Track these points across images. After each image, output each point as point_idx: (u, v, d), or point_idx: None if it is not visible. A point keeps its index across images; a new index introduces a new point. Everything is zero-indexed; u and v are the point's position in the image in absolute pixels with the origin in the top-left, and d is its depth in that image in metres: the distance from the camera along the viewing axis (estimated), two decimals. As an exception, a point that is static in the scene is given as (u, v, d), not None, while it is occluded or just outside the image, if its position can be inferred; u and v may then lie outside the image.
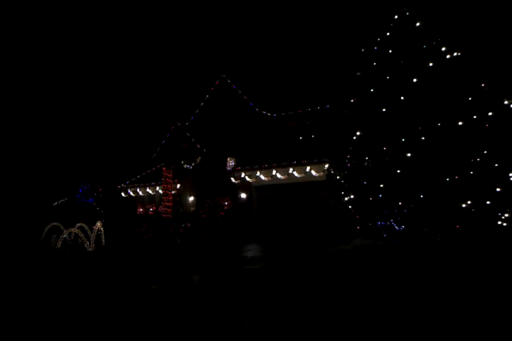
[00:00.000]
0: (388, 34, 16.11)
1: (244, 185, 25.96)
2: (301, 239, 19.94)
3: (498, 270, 10.07)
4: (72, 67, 38.31)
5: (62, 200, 31.89)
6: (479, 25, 17.64)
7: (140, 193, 32.01)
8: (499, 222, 13.43)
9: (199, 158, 27.52)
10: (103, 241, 21.02)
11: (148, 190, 31.63)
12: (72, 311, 6.90)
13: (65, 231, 20.34)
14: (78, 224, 21.34)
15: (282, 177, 24.10)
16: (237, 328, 5.46)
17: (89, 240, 19.36)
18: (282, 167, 24.21)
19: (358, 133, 15.73)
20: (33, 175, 34.48)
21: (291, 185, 24.21)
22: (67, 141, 37.62)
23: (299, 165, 23.54)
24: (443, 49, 14.90)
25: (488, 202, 13.40)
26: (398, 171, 14.31)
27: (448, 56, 14.81)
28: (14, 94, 35.98)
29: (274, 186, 24.95)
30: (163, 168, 28.32)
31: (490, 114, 13.93)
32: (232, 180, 26.11)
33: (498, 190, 13.35)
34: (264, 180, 24.94)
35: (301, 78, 32.81)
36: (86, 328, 5.76)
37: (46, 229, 21.39)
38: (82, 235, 19.32)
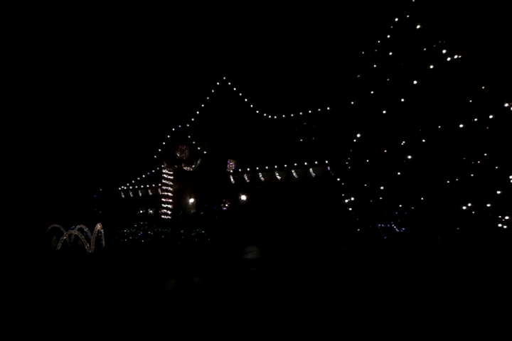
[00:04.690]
0: (389, 36, 16.18)
1: (244, 187, 25.95)
2: (302, 240, 19.90)
3: (498, 271, 10.05)
4: (75, 69, 38.38)
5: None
6: (480, 27, 17.68)
7: (140, 195, 32.03)
8: (499, 225, 13.43)
9: (199, 160, 27.54)
10: (103, 242, 20.95)
11: (148, 191, 31.65)
12: (69, 311, 6.88)
13: (65, 233, 20.30)
14: (78, 226, 21.29)
15: (283, 179, 24.10)
16: (239, 328, 5.45)
17: (89, 242, 19.32)
18: (283, 169, 24.22)
19: (358, 136, 15.76)
20: (34, 176, 34.49)
21: (291, 186, 24.18)
22: (68, 142, 37.65)
23: (300, 168, 23.54)
24: (443, 51, 14.96)
25: (488, 205, 13.41)
26: (399, 173, 14.32)
27: (448, 58, 14.86)
28: (17, 96, 36.06)
29: (275, 188, 24.92)
30: (164, 170, 28.32)
31: (490, 116, 13.96)
32: (233, 182, 26.12)
33: (498, 192, 13.36)
34: (264, 182, 24.94)
35: (301, 81, 32.84)
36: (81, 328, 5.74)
37: (46, 231, 21.36)
38: (82, 237, 19.28)
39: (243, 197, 25.90)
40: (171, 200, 28.00)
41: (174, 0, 36.31)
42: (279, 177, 24.24)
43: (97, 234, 20.44)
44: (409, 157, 14.09)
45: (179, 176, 28.59)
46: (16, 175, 33.78)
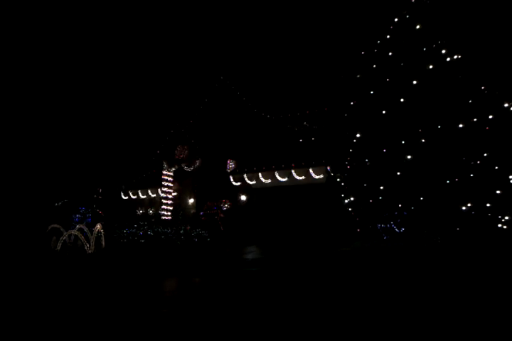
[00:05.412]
0: (388, 37, 16.16)
1: (244, 187, 25.93)
2: (302, 241, 19.91)
3: (499, 271, 10.05)
4: (73, 68, 38.37)
5: (63, 202, 31.89)
6: (480, 27, 17.70)
7: (140, 195, 32.02)
8: (499, 225, 13.42)
9: (199, 160, 27.53)
10: (103, 243, 20.96)
11: (148, 192, 31.64)
12: (69, 311, 6.89)
13: (65, 233, 20.32)
14: (78, 226, 21.33)
15: (282, 179, 24.09)
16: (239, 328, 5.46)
17: (89, 242, 19.33)
18: (282, 169, 24.21)
19: (357, 136, 15.75)
20: (34, 177, 34.50)
21: (291, 187, 24.17)
22: (69, 142, 37.67)
23: (299, 168, 23.52)
24: (443, 51, 14.94)
25: (488, 205, 13.39)
26: (398, 173, 14.32)
27: (448, 58, 14.85)
28: (16, 96, 36.05)
29: (275, 188, 24.91)
30: (164, 171, 28.33)
31: (490, 116, 13.96)
32: (233, 182, 26.10)
33: (498, 192, 13.35)
34: (264, 182, 24.92)
35: (301, 81, 32.83)
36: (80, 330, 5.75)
37: (46, 231, 21.40)
38: (82, 237, 19.29)
39: (243, 198, 25.89)
40: (170, 200, 28.01)
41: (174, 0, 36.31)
42: (278, 177, 24.24)
43: (97, 234, 20.43)
44: (409, 157, 14.08)
45: (179, 176, 28.59)
46: (16, 176, 33.77)
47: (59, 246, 19.47)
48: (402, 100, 14.74)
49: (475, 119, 13.96)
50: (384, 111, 15.09)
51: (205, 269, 12.85)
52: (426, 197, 13.88)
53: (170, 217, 26.98)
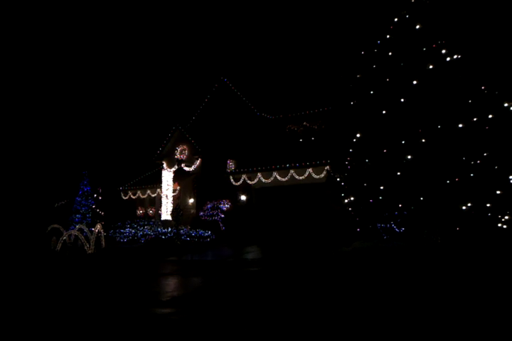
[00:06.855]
0: (388, 37, 16.15)
1: (244, 187, 25.95)
2: (302, 241, 19.92)
3: (498, 272, 10.06)
4: (74, 69, 38.39)
5: (63, 202, 31.87)
6: (480, 27, 17.69)
7: (140, 195, 32.03)
8: (499, 225, 13.42)
9: (199, 160, 27.52)
10: (103, 243, 20.97)
11: (148, 192, 31.64)
12: (68, 312, 6.88)
13: (65, 233, 20.33)
14: (78, 226, 21.35)
15: (282, 179, 24.11)
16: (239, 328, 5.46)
17: (89, 242, 19.33)
18: (282, 169, 24.23)
19: (358, 136, 15.74)
20: (34, 176, 34.50)
21: (291, 187, 24.20)
22: (68, 142, 37.69)
23: (299, 168, 23.54)
24: (443, 51, 14.92)
25: (488, 205, 13.38)
26: (398, 173, 14.30)
27: (448, 58, 14.83)
28: (15, 95, 36.04)
29: (274, 188, 24.94)
30: (163, 170, 28.31)
31: (490, 116, 13.95)
32: (232, 182, 26.11)
33: (498, 192, 13.34)
34: (264, 183, 24.94)
35: (301, 81, 32.88)
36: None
37: (46, 231, 21.42)
38: (82, 237, 19.29)
39: (243, 198, 25.90)
40: (170, 200, 28.01)
41: (175, 0, 36.33)
42: (278, 177, 24.25)
43: (97, 234, 20.43)
44: (409, 157, 14.07)
45: (179, 176, 28.59)
46: (17, 176, 33.77)
47: (59, 246, 19.48)
48: (402, 100, 14.72)
49: (475, 119, 13.95)
50: (384, 111, 15.07)
51: (205, 269, 12.86)
52: (426, 197, 13.87)
53: (170, 217, 26.97)
